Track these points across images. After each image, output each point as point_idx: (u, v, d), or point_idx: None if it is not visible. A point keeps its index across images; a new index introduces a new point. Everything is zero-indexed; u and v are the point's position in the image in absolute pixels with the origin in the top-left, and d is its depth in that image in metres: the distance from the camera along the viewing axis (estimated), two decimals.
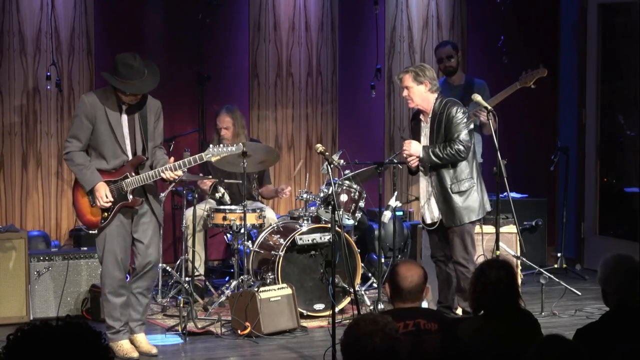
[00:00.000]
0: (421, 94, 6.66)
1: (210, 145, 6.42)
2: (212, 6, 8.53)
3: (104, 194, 6.14)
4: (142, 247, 6.28)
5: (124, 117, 6.19)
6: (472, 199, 6.65)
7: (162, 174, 6.16)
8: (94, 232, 6.30)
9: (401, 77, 6.71)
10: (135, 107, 6.21)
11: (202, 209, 7.85)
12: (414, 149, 6.63)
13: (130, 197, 6.21)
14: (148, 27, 8.75)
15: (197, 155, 6.31)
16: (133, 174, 6.20)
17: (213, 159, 6.41)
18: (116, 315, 6.28)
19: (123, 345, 6.29)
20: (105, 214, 6.20)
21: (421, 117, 6.77)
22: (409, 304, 4.38)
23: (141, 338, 6.40)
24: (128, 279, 6.45)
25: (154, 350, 6.35)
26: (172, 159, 6.25)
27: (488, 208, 6.78)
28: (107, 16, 8.59)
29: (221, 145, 6.45)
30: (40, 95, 8.40)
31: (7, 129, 8.33)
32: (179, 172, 6.20)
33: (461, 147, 6.55)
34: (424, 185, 6.78)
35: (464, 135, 6.58)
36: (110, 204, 6.16)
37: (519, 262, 7.57)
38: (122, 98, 6.15)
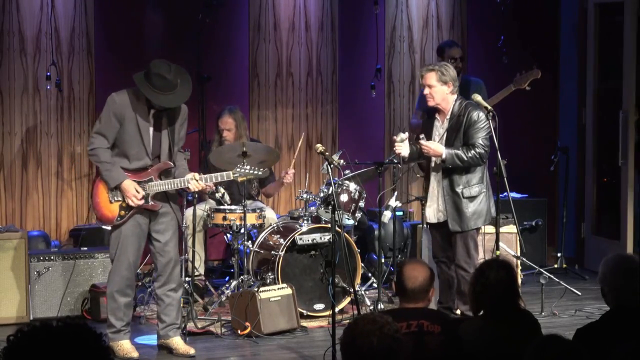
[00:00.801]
0: (443, 94, 6.63)
1: (238, 166, 6.44)
2: (212, 6, 8.53)
3: (134, 191, 6.13)
4: (160, 245, 6.26)
5: (152, 121, 6.17)
6: (481, 204, 6.64)
7: (188, 184, 6.18)
8: (107, 227, 6.29)
9: (424, 75, 6.63)
10: (163, 113, 6.19)
11: (202, 209, 7.85)
12: (436, 149, 6.59)
13: (151, 201, 6.20)
14: (148, 27, 8.75)
15: (224, 173, 6.38)
16: (157, 179, 6.21)
17: (239, 179, 6.48)
18: (119, 314, 6.27)
19: (123, 345, 6.28)
20: (123, 212, 6.19)
21: (437, 115, 6.73)
22: (412, 304, 4.38)
23: (177, 341, 6.35)
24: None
25: (192, 351, 6.32)
26: (194, 174, 6.26)
27: (493, 214, 6.77)
28: (107, 16, 8.59)
29: (248, 166, 6.46)
30: (40, 95, 8.40)
31: (7, 129, 8.33)
32: (203, 185, 6.25)
33: (483, 152, 6.54)
34: (433, 186, 6.74)
35: (485, 140, 6.57)
36: (142, 201, 6.15)
37: (519, 262, 7.57)
38: (152, 103, 6.15)
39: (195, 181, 6.16)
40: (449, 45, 8.42)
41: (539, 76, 7.83)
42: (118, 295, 6.24)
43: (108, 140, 6.14)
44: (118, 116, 6.11)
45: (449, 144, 6.61)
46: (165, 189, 6.22)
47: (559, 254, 9.13)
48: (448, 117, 6.64)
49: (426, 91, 6.64)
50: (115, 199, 6.19)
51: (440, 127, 6.70)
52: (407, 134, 6.83)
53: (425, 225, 7.04)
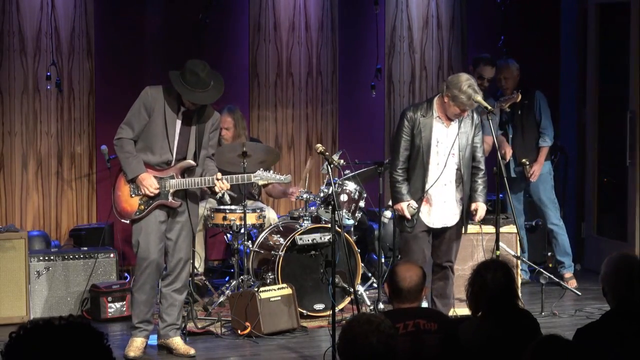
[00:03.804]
0: None
1: (260, 169, 6.48)
2: (212, 6, 8.53)
3: (151, 183, 6.17)
4: (171, 243, 6.31)
5: (180, 119, 6.23)
6: None
7: (215, 182, 6.19)
8: (125, 221, 6.32)
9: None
10: (192, 113, 6.24)
11: (202, 206, 7.85)
12: (485, 210, 6.60)
13: (171, 198, 6.24)
14: (148, 27, 8.75)
15: (245, 175, 6.45)
16: (179, 176, 6.24)
17: (260, 182, 6.54)
18: (136, 311, 6.35)
19: (132, 342, 6.36)
20: (143, 206, 6.24)
21: (437, 119, 6.52)
22: (407, 304, 4.39)
23: (177, 341, 6.41)
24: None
25: (192, 351, 6.38)
26: (218, 174, 6.28)
27: None
28: (107, 16, 8.59)
29: (270, 171, 6.50)
30: (40, 95, 8.40)
31: (7, 129, 8.33)
32: (228, 185, 6.27)
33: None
34: (441, 191, 6.54)
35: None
36: (158, 190, 6.19)
37: (519, 262, 7.57)
38: (183, 101, 6.19)
39: (220, 181, 6.19)
40: (484, 62, 8.36)
41: (517, 100, 7.70)
42: (136, 293, 6.32)
43: (135, 132, 6.18)
44: (148, 108, 6.17)
45: (461, 147, 6.46)
46: (187, 187, 6.25)
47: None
48: (454, 120, 6.49)
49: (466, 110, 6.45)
50: (136, 192, 6.24)
51: (446, 130, 6.51)
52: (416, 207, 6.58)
53: (410, 229, 6.57)
